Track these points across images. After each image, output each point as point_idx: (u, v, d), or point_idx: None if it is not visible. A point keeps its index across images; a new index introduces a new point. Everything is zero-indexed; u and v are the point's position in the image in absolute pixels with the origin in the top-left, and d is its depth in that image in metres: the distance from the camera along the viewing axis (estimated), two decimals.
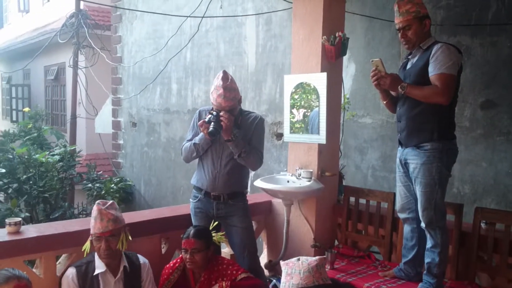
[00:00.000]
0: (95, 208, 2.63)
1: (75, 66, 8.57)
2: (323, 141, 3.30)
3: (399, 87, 2.59)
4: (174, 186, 6.94)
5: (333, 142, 3.49)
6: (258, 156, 3.04)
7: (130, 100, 7.89)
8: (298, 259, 1.94)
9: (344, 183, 3.67)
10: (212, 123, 2.83)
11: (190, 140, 3.10)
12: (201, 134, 2.96)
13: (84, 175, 7.44)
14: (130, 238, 2.69)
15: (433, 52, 2.55)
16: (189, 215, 3.20)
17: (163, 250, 3.27)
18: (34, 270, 2.76)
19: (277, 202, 3.68)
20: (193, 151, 3.06)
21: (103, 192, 7.04)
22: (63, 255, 2.91)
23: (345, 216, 3.45)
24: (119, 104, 8.23)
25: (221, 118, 2.83)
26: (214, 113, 2.86)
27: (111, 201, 2.70)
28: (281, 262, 2.00)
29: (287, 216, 3.45)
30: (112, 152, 8.48)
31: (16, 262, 2.57)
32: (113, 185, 7.19)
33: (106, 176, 7.80)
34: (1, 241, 2.60)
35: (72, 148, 7.41)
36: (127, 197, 7.49)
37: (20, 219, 2.80)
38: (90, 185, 7.25)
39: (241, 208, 3.11)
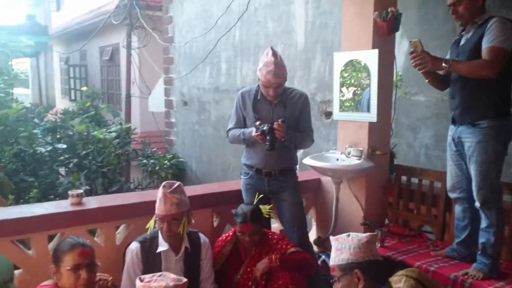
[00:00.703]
0: (160, 190, 2.66)
1: (129, 46, 8.84)
2: (374, 119, 3.26)
3: (443, 63, 2.51)
4: (223, 163, 7.08)
5: (384, 120, 3.43)
6: (310, 138, 3.12)
7: (181, 80, 8.05)
8: (348, 235, 1.96)
9: (395, 162, 3.62)
10: (268, 138, 2.88)
11: (235, 124, 3.17)
12: (250, 131, 3.01)
13: (139, 151, 7.71)
14: (192, 221, 2.76)
15: (488, 27, 2.45)
16: (239, 191, 3.28)
17: (215, 224, 3.38)
18: (95, 239, 2.94)
19: (326, 180, 3.69)
20: (240, 142, 3.14)
21: (157, 168, 7.29)
22: (122, 226, 3.07)
23: (396, 195, 3.42)
24: (171, 83, 8.42)
25: (275, 131, 2.88)
26: (268, 125, 2.89)
27: (177, 184, 2.72)
28: (331, 238, 2.03)
29: (336, 194, 3.47)
30: (165, 129, 8.73)
31: (78, 231, 2.73)
32: (166, 161, 7.42)
33: (160, 152, 8.05)
34: (65, 211, 2.78)
35: (128, 125, 7.70)
36: (179, 173, 7.71)
37: (82, 191, 2.97)
38: (145, 161, 7.52)
39: (291, 184, 3.16)
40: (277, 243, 2.94)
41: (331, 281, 1.97)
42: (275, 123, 2.89)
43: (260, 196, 3.01)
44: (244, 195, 3.23)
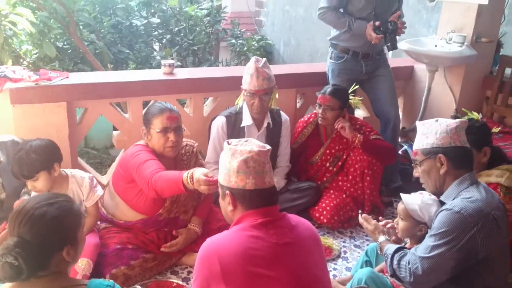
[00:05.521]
0: (252, 65, 2.63)
1: None
2: (485, 1, 2.91)
3: None
4: (312, 48, 6.89)
5: (497, 3, 3.06)
6: None
7: None
8: (436, 120, 1.85)
9: (501, 53, 3.29)
10: (389, 37, 2.74)
11: (336, 2, 2.90)
12: (360, 26, 2.84)
13: (228, 31, 7.69)
14: (277, 96, 2.77)
15: None
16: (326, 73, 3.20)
17: (298, 105, 3.39)
18: (185, 109, 3.10)
19: (420, 69, 3.48)
20: (340, 28, 2.96)
21: (245, 49, 7.28)
22: (210, 98, 3.19)
23: (497, 89, 3.16)
24: None
25: (399, 29, 2.76)
26: (392, 23, 2.72)
27: (264, 59, 2.70)
28: (417, 122, 1.94)
29: (429, 84, 3.28)
30: (255, 10, 8.54)
31: (169, 100, 2.84)
32: (254, 42, 7.37)
33: (249, 33, 7.97)
34: (158, 79, 2.92)
35: (218, 3, 7.60)
36: (266, 56, 7.65)
37: (173, 61, 3.07)
38: (233, 41, 7.52)
39: (385, 59, 3.13)
40: (361, 129, 2.92)
41: (412, 165, 1.92)
42: (399, 21, 2.73)
43: (356, 87, 2.91)
44: (334, 80, 3.09)
